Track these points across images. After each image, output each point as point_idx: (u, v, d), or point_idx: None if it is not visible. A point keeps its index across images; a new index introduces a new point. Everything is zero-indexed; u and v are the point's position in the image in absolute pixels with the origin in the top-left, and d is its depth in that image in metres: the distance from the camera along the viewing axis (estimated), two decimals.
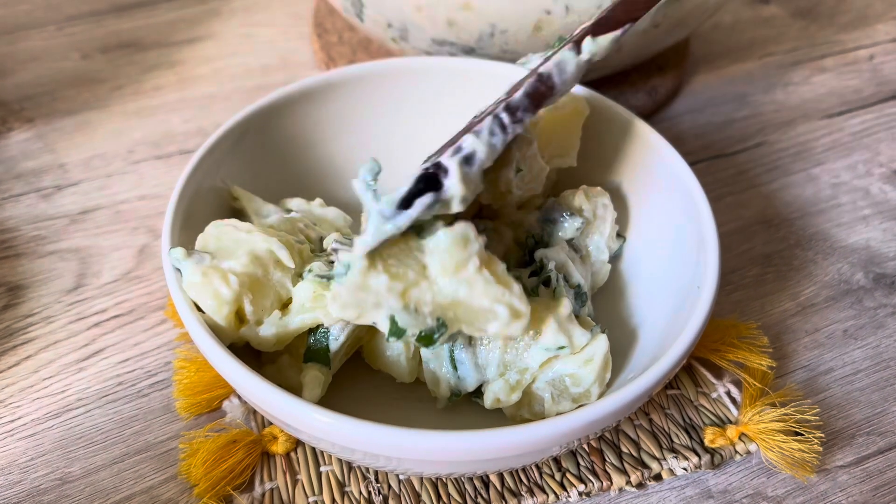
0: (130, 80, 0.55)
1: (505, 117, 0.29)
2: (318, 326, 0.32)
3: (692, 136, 0.52)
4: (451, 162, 0.28)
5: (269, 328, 0.32)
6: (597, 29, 0.32)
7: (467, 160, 0.28)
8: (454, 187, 0.28)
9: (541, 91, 0.30)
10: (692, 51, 0.58)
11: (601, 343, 0.32)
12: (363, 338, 0.34)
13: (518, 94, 0.29)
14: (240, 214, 0.37)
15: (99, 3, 0.63)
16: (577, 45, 0.31)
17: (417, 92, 0.42)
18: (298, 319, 0.32)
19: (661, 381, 0.28)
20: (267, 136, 0.40)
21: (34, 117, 0.52)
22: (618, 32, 0.32)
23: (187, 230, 0.34)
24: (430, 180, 0.28)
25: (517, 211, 0.37)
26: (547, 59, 0.33)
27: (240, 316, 0.32)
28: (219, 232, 0.33)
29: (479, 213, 0.38)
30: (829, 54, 0.59)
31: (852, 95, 0.55)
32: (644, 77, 0.53)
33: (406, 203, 0.28)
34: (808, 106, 0.54)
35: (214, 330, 0.30)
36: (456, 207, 0.28)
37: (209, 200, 0.37)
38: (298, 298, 0.32)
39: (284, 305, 0.33)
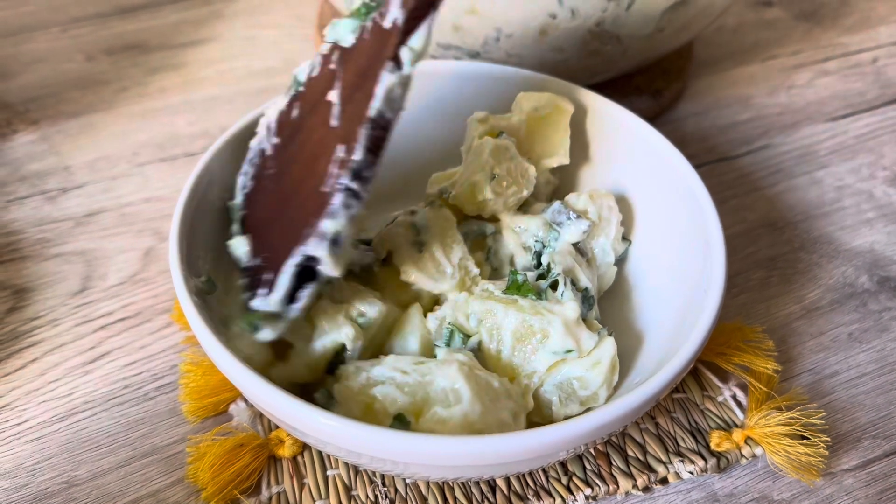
0: (135, 83, 0.55)
1: (356, 186, 0.28)
2: (342, 347, 0.33)
3: (696, 140, 0.52)
4: (319, 251, 0.29)
5: (297, 359, 0.32)
6: (406, 27, 0.28)
7: (335, 243, 0.29)
8: (330, 270, 0.29)
9: (379, 136, 0.29)
10: (696, 54, 0.58)
11: (608, 346, 0.32)
12: (382, 344, 0.34)
13: (358, 154, 0.28)
14: None
15: (103, 5, 0.63)
16: (393, 60, 0.28)
17: (422, 95, 0.42)
18: (320, 345, 0.32)
19: (669, 385, 0.29)
20: None
21: (39, 119, 0.52)
22: (427, 24, 0.28)
23: (194, 234, 0.34)
24: (305, 273, 0.30)
25: (522, 215, 0.37)
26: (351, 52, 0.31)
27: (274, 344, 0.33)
28: None
29: (479, 216, 0.38)
30: (832, 57, 0.59)
31: (856, 98, 0.55)
32: (648, 80, 0.53)
33: (290, 298, 0.30)
34: (812, 109, 0.54)
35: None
36: (338, 276, 0.30)
37: (216, 204, 0.37)
38: (318, 320, 0.33)
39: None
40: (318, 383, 0.33)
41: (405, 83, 0.28)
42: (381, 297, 0.34)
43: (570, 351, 0.32)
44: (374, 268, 0.35)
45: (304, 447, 0.35)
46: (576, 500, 0.33)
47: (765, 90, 0.56)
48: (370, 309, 0.32)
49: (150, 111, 0.53)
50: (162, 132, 0.51)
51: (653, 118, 0.52)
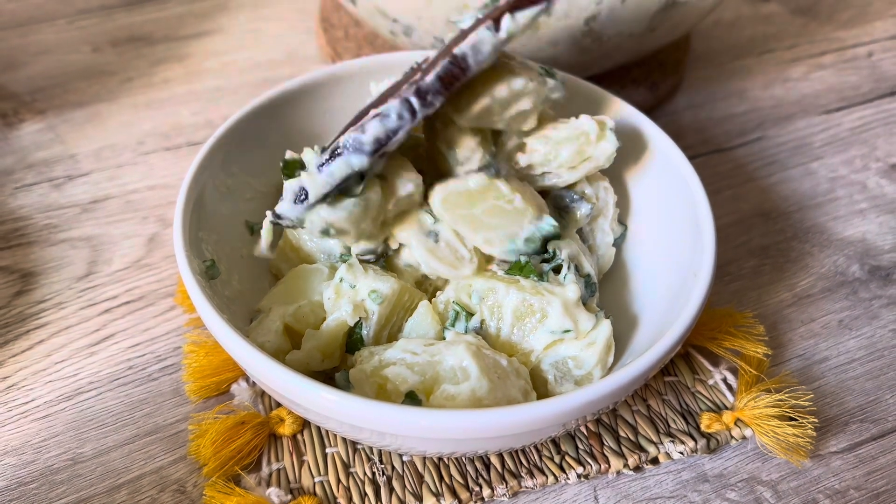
0: (140, 73, 0.56)
1: (415, 101, 0.29)
2: (355, 325, 0.34)
3: (692, 131, 0.52)
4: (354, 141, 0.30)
5: (308, 343, 0.33)
6: (517, 3, 0.30)
7: (375, 145, 0.29)
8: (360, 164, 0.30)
9: (454, 73, 0.29)
10: (693, 47, 0.59)
11: (604, 328, 0.33)
12: (399, 329, 0.35)
13: (430, 77, 0.29)
14: None
15: None
16: (495, 22, 0.30)
17: None
18: (326, 326, 0.33)
19: (657, 364, 0.29)
20: (274, 128, 0.40)
21: (45, 109, 0.53)
22: (537, 9, 0.30)
23: (198, 217, 0.35)
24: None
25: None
26: (470, 30, 0.31)
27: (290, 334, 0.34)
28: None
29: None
30: (828, 51, 0.59)
31: (850, 91, 0.56)
32: (645, 72, 0.54)
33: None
34: (807, 101, 0.55)
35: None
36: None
37: (219, 190, 0.38)
38: (327, 299, 0.34)
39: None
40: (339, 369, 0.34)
41: (496, 47, 0.30)
42: (396, 277, 0.34)
43: (567, 331, 0.32)
44: (388, 253, 0.36)
45: (304, 425, 0.36)
46: (568, 478, 0.34)
47: (760, 83, 0.56)
48: (383, 286, 0.33)
49: (154, 101, 0.54)
50: (166, 122, 0.52)
51: (649, 110, 0.53)
